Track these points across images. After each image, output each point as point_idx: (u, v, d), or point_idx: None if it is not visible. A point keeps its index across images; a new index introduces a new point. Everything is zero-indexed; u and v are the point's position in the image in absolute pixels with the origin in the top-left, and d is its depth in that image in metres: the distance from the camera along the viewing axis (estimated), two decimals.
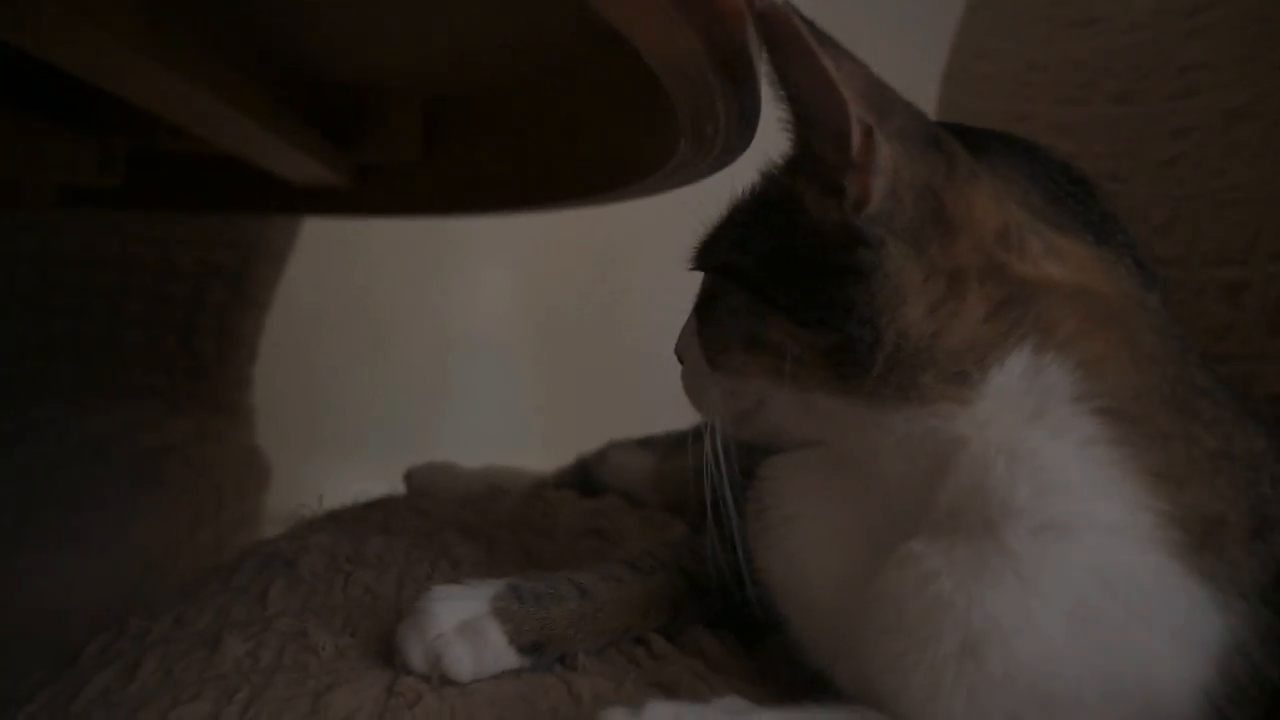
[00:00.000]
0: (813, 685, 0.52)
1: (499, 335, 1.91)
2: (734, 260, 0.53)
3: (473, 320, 1.91)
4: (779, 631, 0.58)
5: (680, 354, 0.58)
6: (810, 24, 0.45)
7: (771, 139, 0.54)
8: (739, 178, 0.57)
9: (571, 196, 1.04)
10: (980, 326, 0.46)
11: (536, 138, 1.05)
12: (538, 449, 1.12)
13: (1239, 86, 0.80)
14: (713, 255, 0.56)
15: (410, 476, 1.02)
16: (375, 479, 0.95)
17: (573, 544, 0.76)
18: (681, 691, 0.51)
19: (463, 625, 0.53)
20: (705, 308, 0.56)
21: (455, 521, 0.78)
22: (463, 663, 0.52)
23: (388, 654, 0.54)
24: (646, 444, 1.00)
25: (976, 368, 0.46)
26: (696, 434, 0.96)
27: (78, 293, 1.32)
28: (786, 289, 0.49)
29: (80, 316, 1.32)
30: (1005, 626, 0.43)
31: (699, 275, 0.58)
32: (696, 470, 0.88)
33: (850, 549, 0.52)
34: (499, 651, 0.53)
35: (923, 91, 0.70)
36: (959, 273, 0.47)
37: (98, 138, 1.09)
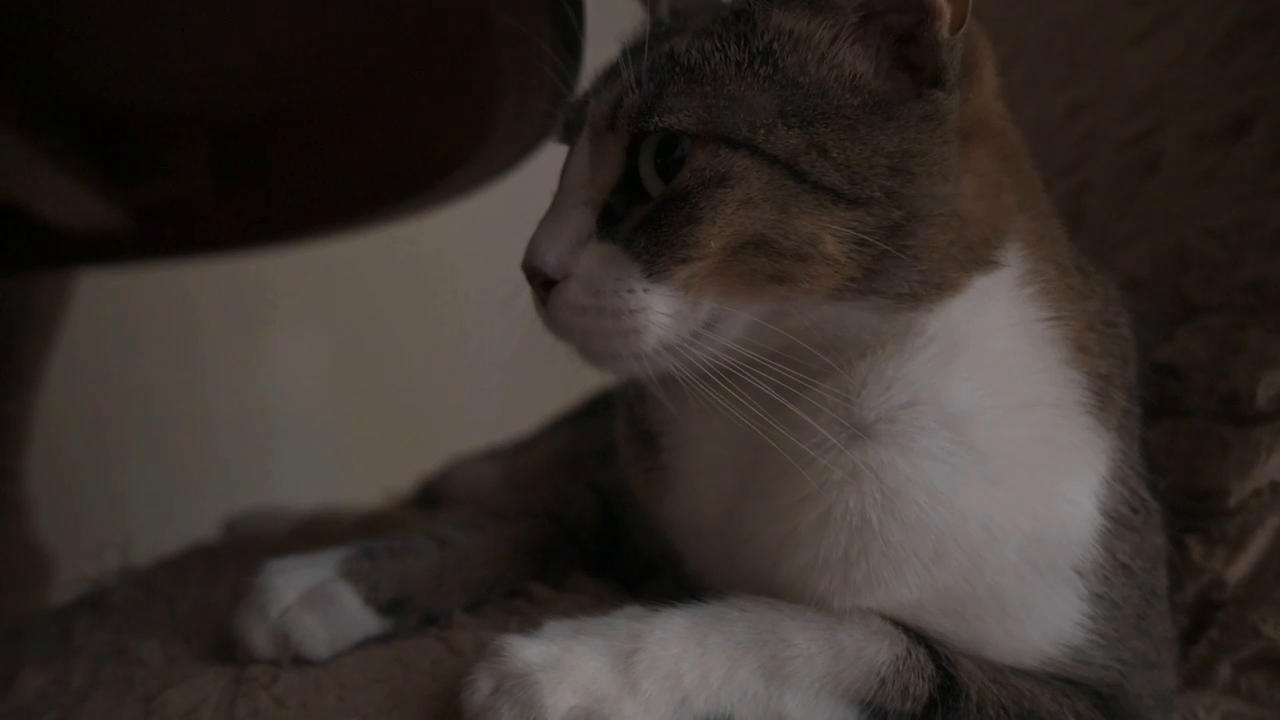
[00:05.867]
0: None
1: (317, 405, 1.81)
2: (740, 122, 0.39)
3: (290, 393, 1.79)
4: (665, 572, 0.55)
5: (550, 268, 0.41)
6: None
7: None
8: None
9: (377, 210, 0.99)
10: (982, 201, 0.41)
11: (336, 157, 0.99)
12: None
13: None
14: (687, 115, 0.39)
15: (232, 525, 0.92)
16: None
17: None
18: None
19: (309, 594, 0.46)
20: (670, 199, 0.39)
21: (293, 537, 0.70)
22: (316, 636, 0.45)
23: (230, 653, 0.47)
24: (492, 455, 0.95)
25: (987, 248, 0.41)
26: (552, 428, 0.93)
27: None
28: (832, 161, 0.38)
29: None
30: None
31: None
32: (550, 458, 0.86)
33: (745, 487, 0.46)
34: (356, 616, 0.46)
35: None
36: (969, 132, 0.42)
37: None
